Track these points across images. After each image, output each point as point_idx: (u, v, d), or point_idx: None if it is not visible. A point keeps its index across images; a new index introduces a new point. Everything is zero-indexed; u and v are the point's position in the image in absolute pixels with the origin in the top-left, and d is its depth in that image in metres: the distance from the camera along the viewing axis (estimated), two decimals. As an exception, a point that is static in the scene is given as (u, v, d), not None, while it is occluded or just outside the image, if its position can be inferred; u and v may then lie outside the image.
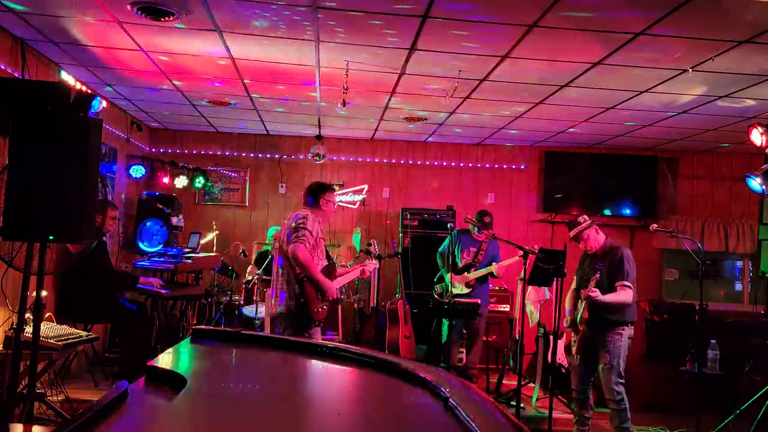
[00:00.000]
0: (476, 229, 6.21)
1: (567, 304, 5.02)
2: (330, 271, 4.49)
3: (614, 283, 4.61)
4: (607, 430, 5.45)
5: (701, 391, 5.11)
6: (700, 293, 4.96)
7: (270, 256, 6.85)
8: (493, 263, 6.14)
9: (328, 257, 4.58)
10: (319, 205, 4.54)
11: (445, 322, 6.31)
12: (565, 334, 6.55)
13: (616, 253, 4.71)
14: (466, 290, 6.12)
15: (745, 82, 4.92)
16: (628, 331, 4.68)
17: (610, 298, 4.56)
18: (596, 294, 4.49)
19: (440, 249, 6.59)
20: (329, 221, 6.39)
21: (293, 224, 4.37)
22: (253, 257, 7.43)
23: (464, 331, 6.23)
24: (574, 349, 4.85)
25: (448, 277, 6.16)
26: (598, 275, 4.57)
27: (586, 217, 4.90)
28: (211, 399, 1.80)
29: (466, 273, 6.18)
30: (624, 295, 4.58)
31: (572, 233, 4.84)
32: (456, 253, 6.37)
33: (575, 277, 5.05)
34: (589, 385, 4.91)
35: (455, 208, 7.97)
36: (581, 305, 4.72)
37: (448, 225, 7.23)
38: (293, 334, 4.22)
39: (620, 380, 4.63)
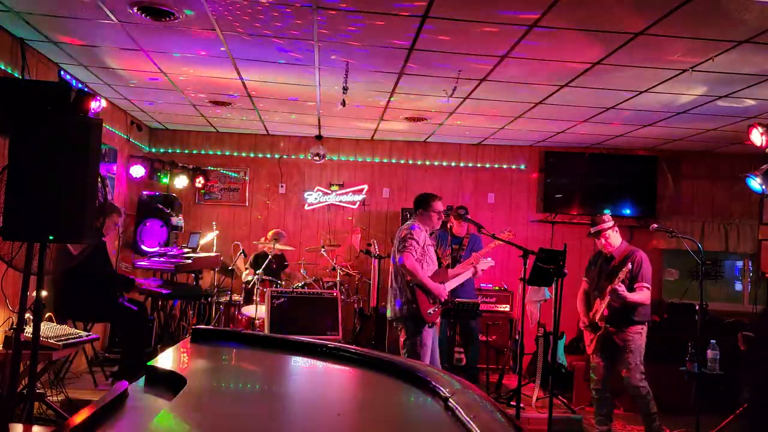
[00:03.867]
0: (456, 218, 6.28)
1: (580, 306, 5.15)
2: (440, 274, 4.77)
3: (633, 284, 4.78)
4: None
5: (701, 391, 5.10)
6: (700, 293, 4.95)
7: (269, 257, 6.86)
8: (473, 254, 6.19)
9: (440, 262, 4.87)
10: (427, 214, 4.77)
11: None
12: (566, 335, 6.56)
13: (634, 256, 4.86)
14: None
15: (745, 82, 4.92)
16: (645, 330, 4.86)
17: (633, 296, 4.72)
18: (622, 289, 4.66)
19: None
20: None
21: (401, 235, 4.67)
22: (250, 259, 7.42)
23: (457, 329, 6.25)
24: (592, 348, 4.96)
25: None
26: (627, 269, 4.71)
27: (609, 216, 5.04)
28: (211, 399, 1.80)
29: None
30: (643, 295, 4.76)
31: (594, 229, 4.98)
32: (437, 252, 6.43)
33: (585, 279, 5.20)
34: (609, 384, 4.99)
35: (455, 208, 7.95)
36: (600, 304, 4.85)
37: (449, 225, 7.23)
38: (409, 336, 4.59)
39: (643, 376, 4.80)
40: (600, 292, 4.91)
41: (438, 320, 4.74)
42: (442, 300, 4.65)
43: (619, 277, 4.70)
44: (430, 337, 4.64)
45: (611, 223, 4.96)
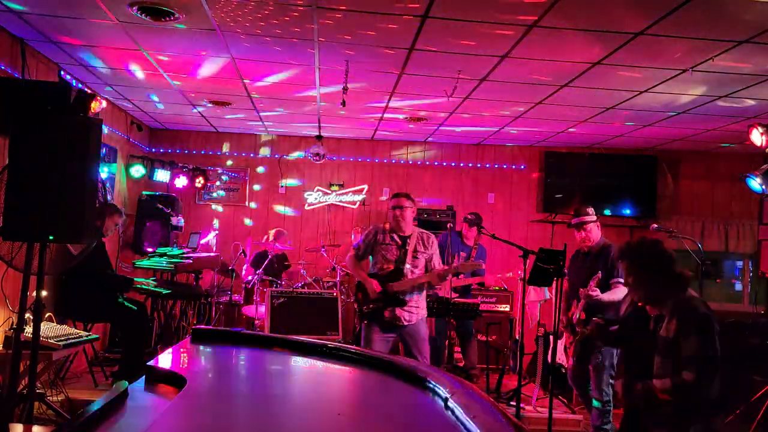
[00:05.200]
0: (468, 224, 6.24)
1: (562, 305, 4.99)
2: (393, 274, 4.71)
3: (609, 280, 4.66)
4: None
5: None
6: (700, 293, 4.95)
7: (269, 257, 6.86)
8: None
9: (400, 263, 4.70)
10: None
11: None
12: (565, 335, 6.55)
13: (609, 251, 4.76)
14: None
15: (745, 82, 4.92)
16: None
17: (608, 296, 4.60)
18: (596, 293, 4.55)
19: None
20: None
21: None
22: (251, 258, 7.42)
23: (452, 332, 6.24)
24: (570, 351, 4.84)
25: None
26: (599, 274, 4.58)
27: (593, 211, 4.94)
28: (211, 399, 1.80)
29: (455, 277, 6.12)
30: (619, 292, 4.62)
31: (576, 220, 4.86)
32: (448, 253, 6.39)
33: (567, 278, 4.99)
34: (589, 386, 4.90)
35: (455, 208, 7.97)
36: (577, 307, 4.73)
37: (448, 225, 7.23)
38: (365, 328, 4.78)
39: (611, 381, 4.62)
40: (575, 294, 4.79)
41: (394, 316, 4.62)
42: (372, 295, 4.63)
43: (594, 279, 4.56)
44: (371, 337, 4.62)
45: (594, 218, 4.85)
